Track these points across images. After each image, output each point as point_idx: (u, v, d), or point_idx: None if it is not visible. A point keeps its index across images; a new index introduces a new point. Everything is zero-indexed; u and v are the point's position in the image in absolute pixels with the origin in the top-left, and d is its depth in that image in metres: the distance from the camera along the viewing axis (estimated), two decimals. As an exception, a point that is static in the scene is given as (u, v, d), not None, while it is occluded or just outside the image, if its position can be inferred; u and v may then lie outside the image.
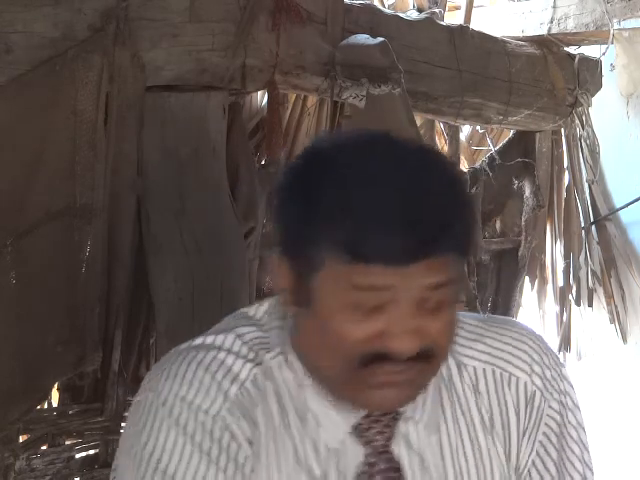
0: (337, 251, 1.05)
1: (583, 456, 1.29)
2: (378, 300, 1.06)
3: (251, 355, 1.18)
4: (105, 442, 2.35)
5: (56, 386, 2.34)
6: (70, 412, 2.33)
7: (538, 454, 1.26)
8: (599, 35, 3.70)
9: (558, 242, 4.12)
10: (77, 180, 2.17)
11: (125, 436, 1.20)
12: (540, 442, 1.26)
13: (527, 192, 3.92)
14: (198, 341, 1.22)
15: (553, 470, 1.27)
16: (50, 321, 2.14)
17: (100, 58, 2.18)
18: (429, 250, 1.04)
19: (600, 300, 4.22)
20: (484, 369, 1.25)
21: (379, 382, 1.09)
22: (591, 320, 4.25)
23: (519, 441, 1.25)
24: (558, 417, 1.27)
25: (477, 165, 3.90)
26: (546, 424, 1.27)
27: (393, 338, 1.06)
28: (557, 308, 4.13)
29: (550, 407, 1.27)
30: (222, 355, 1.18)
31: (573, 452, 1.28)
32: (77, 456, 2.34)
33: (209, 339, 1.21)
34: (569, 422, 1.28)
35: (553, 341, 4.17)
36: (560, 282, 4.11)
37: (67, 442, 2.31)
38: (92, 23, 2.20)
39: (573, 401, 1.30)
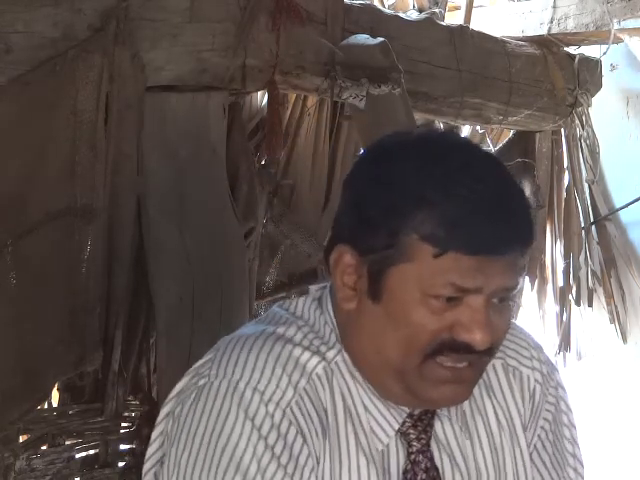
0: (430, 241, 1.05)
1: (572, 435, 1.34)
2: (461, 295, 1.07)
3: (314, 348, 1.16)
4: (105, 442, 2.35)
5: (56, 386, 2.34)
6: (70, 412, 2.33)
7: (535, 447, 1.30)
8: (599, 35, 3.69)
9: (558, 242, 4.12)
10: (77, 180, 2.17)
11: (188, 422, 1.13)
12: (538, 436, 1.30)
13: (527, 192, 3.92)
14: (259, 329, 1.18)
15: (548, 462, 1.31)
16: (50, 321, 2.14)
17: (100, 58, 2.18)
18: (520, 244, 1.07)
19: (600, 300, 4.22)
20: (493, 364, 1.26)
21: (446, 375, 1.10)
22: (591, 320, 4.25)
23: (524, 432, 1.27)
24: (554, 410, 1.31)
25: (477, 165, 3.89)
26: (544, 418, 1.30)
27: (473, 330, 1.07)
28: (557, 308, 4.13)
29: (547, 401, 1.31)
30: (290, 347, 1.15)
31: (566, 440, 1.33)
32: (77, 456, 2.34)
33: (272, 329, 1.18)
34: (562, 413, 1.33)
35: (553, 341, 4.17)
36: (560, 282, 4.11)
37: (67, 442, 2.31)
38: (92, 23, 2.19)
39: (564, 390, 1.34)
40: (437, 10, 3.47)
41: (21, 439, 2.23)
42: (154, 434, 1.23)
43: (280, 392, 1.12)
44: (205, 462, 1.10)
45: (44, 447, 2.27)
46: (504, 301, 1.11)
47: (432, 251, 1.06)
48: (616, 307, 4.21)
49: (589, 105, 3.87)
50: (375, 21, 2.89)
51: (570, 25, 3.65)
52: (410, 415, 1.18)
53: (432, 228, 1.05)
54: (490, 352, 1.12)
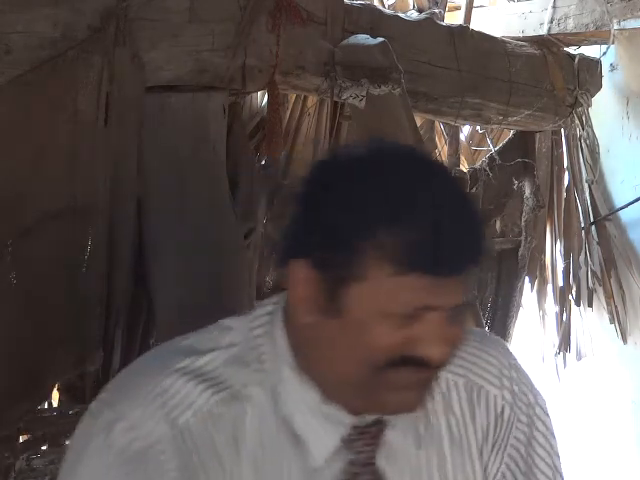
0: (391, 260, 1.04)
1: (553, 462, 1.29)
2: (418, 311, 1.07)
3: (224, 376, 1.16)
4: (105, 442, 2.35)
5: (56, 386, 2.34)
6: (70, 412, 2.33)
7: (508, 467, 1.27)
8: (599, 35, 3.70)
9: (558, 242, 4.12)
10: (77, 180, 2.17)
11: (70, 442, 1.20)
12: (509, 455, 1.27)
13: (527, 192, 3.93)
14: (168, 358, 1.20)
15: None
16: (50, 321, 2.14)
17: (100, 58, 2.18)
18: (475, 263, 1.08)
19: (600, 300, 4.22)
20: (456, 382, 1.25)
21: (402, 385, 1.09)
22: (591, 320, 4.25)
23: (488, 454, 1.25)
24: (527, 429, 1.28)
25: (477, 165, 3.90)
26: (515, 437, 1.27)
27: (430, 346, 1.07)
28: (557, 308, 4.13)
29: (519, 420, 1.27)
30: (182, 380, 1.16)
31: (542, 459, 1.29)
32: (77, 456, 2.34)
33: (180, 359, 1.19)
34: (537, 431, 1.29)
35: (553, 341, 4.18)
36: (560, 282, 4.11)
37: (67, 442, 2.31)
38: (92, 23, 2.19)
39: (543, 411, 1.30)
40: (437, 10, 3.47)
41: (21, 439, 2.23)
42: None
43: (151, 426, 1.12)
44: None
45: (44, 447, 2.27)
46: (456, 315, 1.10)
47: (392, 270, 1.05)
48: (616, 307, 4.20)
49: (589, 105, 3.87)
50: (375, 21, 2.89)
51: (570, 25, 3.66)
52: (355, 427, 1.17)
53: (393, 248, 1.04)
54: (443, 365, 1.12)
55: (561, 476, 1.29)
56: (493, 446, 1.25)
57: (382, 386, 1.09)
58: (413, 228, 1.04)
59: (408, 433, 1.20)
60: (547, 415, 1.30)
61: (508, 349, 1.32)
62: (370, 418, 1.17)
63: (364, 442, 1.16)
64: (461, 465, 1.22)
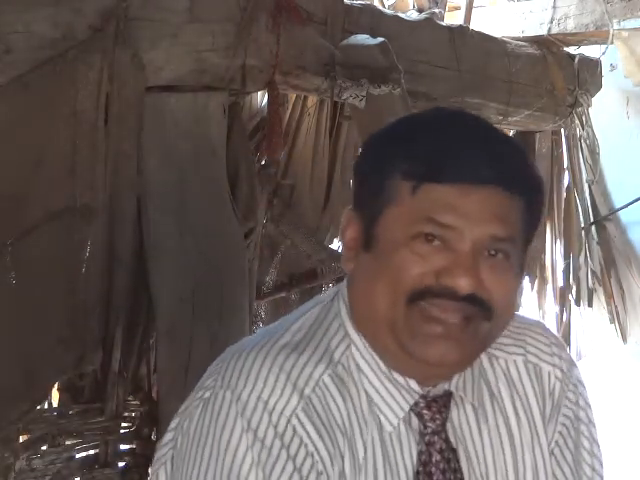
0: (408, 176, 1.09)
1: (591, 433, 1.33)
2: (443, 235, 1.08)
3: (319, 354, 1.16)
4: (105, 442, 2.35)
5: (56, 386, 2.34)
6: (70, 412, 2.33)
7: (557, 444, 1.30)
8: (599, 35, 3.70)
9: (558, 242, 4.12)
10: (77, 180, 2.17)
11: (196, 436, 1.13)
12: (559, 432, 1.30)
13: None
14: (265, 338, 1.18)
15: (570, 459, 1.30)
16: (50, 321, 2.14)
17: (100, 58, 2.18)
18: (498, 178, 1.08)
19: (600, 300, 4.22)
20: (515, 360, 1.28)
21: (435, 329, 1.10)
22: (591, 320, 4.25)
23: (544, 428, 1.27)
24: (574, 407, 1.31)
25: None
26: (564, 414, 1.30)
27: (454, 273, 1.08)
28: (557, 308, 4.13)
29: (567, 398, 1.31)
30: (295, 355, 1.15)
31: (583, 437, 1.32)
32: (77, 456, 2.34)
33: (277, 337, 1.18)
34: (581, 409, 1.32)
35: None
36: (560, 282, 4.11)
37: (67, 442, 2.31)
38: (92, 23, 2.19)
39: (585, 392, 1.34)
40: (437, 10, 3.47)
41: (21, 439, 2.23)
42: (164, 439, 1.21)
43: (284, 400, 1.11)
44: (215, 478, 1.10)
45: (44, 447, 2.27)
46: (497, 255, 1.11)
47: (411, 188, 1.09)
48: (616, 307, 4.21)
49: (589, 105, 3.88)
50: (375, 21, 2.90)
51: (570, 25, 3.66)
52: (423, 396, 1.18)
53: (410, 163, 1.09)
54: (483, 309, 1.11)
55: (597, 444, 1.33)
56: (548, 421, 1.28)
57: (416, 332, 1.10)
58: (429, 142, 1.09)
59: (471, 409, 1.22)
60: (585, 390, 1.34)
61: (549, 329, 1.35)
62: (438, 390, 1.19)
63: (433, 412, 1.18)
64: (530, 444, 1.25)
